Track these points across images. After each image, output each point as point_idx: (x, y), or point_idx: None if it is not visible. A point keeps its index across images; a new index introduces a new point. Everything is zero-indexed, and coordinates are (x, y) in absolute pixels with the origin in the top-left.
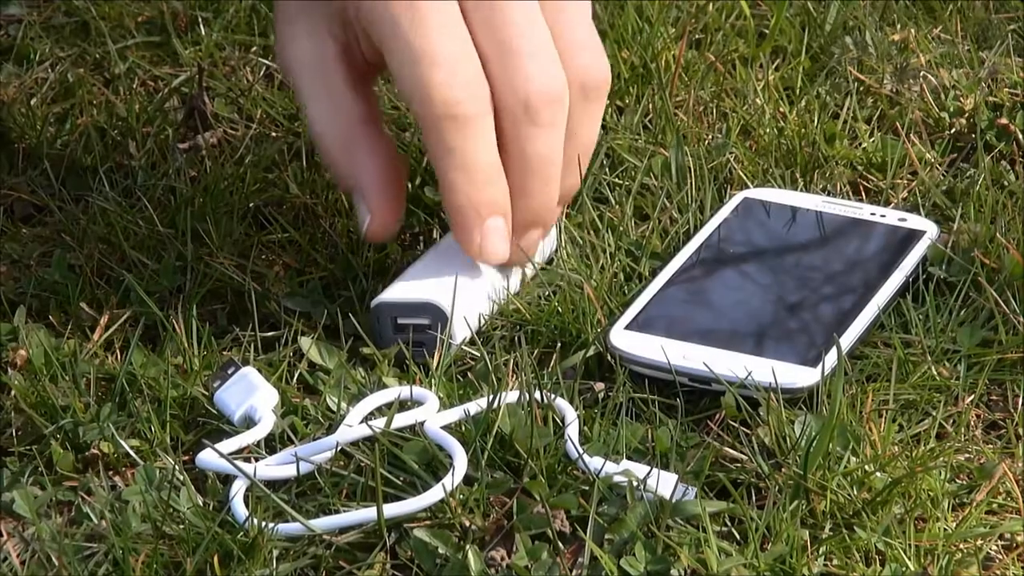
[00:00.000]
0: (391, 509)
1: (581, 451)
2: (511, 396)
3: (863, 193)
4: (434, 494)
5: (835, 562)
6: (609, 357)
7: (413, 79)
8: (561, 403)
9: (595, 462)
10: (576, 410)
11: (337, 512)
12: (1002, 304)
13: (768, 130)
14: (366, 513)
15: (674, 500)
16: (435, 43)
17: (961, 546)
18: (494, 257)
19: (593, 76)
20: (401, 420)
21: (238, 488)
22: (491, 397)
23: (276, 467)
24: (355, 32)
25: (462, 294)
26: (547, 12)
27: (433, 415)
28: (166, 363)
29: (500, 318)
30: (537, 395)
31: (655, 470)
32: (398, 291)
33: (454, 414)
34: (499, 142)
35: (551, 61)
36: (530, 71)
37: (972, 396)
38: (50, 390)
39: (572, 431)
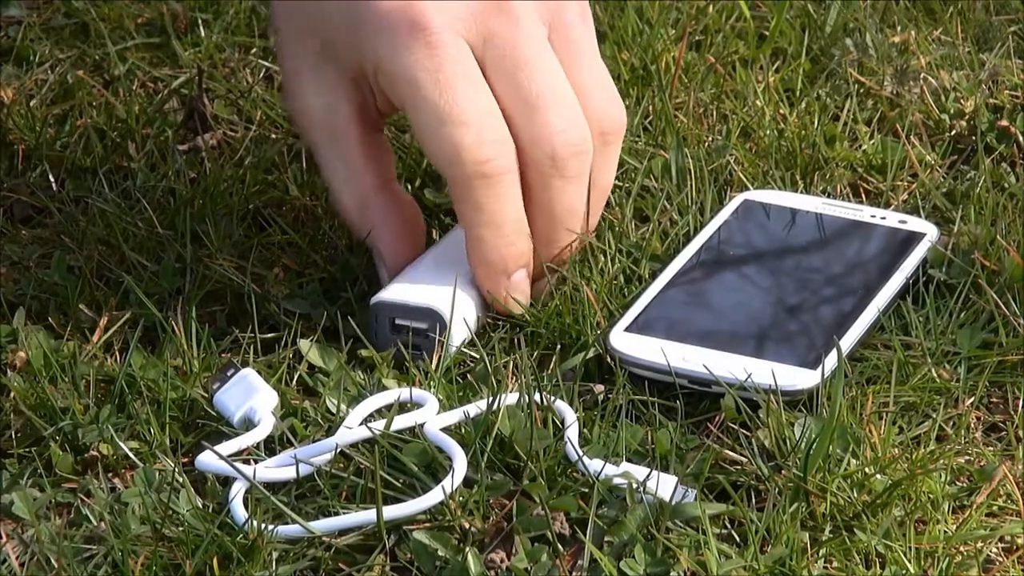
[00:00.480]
0: (391, 511)
1: (581, 453)
2: (511, 398)
3: (863, 195)
4: (434, 496)
5: (835, 564)
6: (609, 359)
7: (440, 140)
8: (561, 405)
9: (595, 464)
10: (576, 412)
11: (337, 514)
12: (1002, 306)
13: (768, 132)
14: (365, 515)
15: (674, 502)
16: (461, 103)
17: (961, 549)
18: (517, 308)
19: (611, 120)
20: (401, 422)
21: (237, 490)
22: (491, 399)
23: (275, 469)
24: (369, 87)
25: (462, 299)
26: (560, 54)
27: (433, 417)
28: (165, 365)
29: (501, 319)
30: (537, 397)
31: (655, 472)
32: (398, 292)
33: (454, 416)
34: (524, 193)
35: (574, 111)
36: (555, 124)
37: (972, 398)
38: (49, 392)
39: (572, 433)
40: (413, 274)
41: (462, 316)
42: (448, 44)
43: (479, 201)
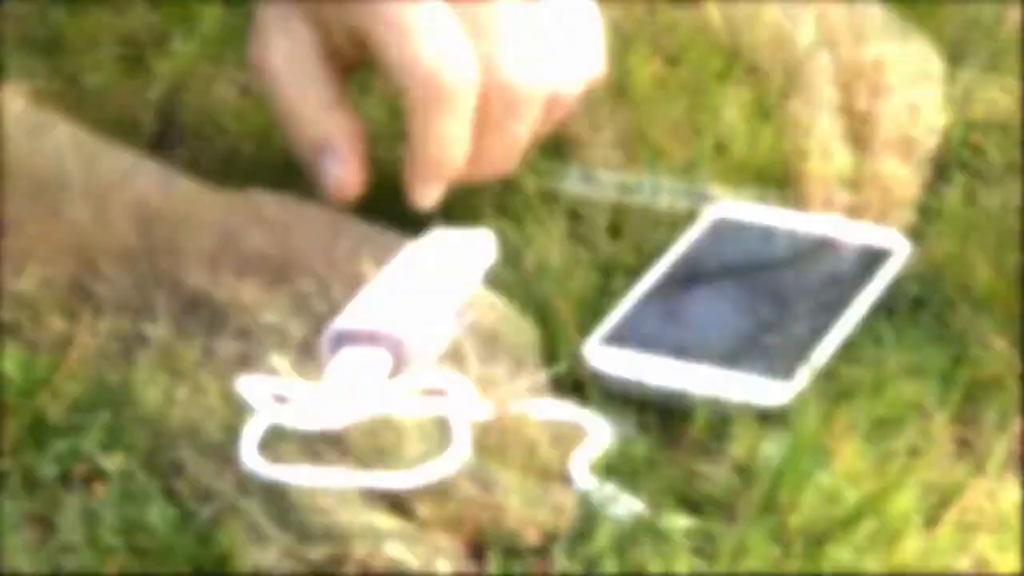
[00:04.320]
0: (389, 479)
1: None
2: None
3: (836, 210)
4: (438, 469)
5: None
6: (582, 372)
7: (403, 50)
8: (589, 418)
9: (569, 480)
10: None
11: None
12: (974, 322)
13: (741, 147)
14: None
15: (644, 516)
16: (429, 20)
17: (932, 564)
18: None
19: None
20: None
21: (254, 430)
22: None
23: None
24: (328, 29)
25: (421, 318)
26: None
27: (463, 408)
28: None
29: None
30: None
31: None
32: (350, 318)
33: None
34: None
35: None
36: (515, 57)
37: (943, 414)
38: (25, 405)
39: (594, 448)
40: (365, 296)
41: (426, 343)
42: None
43: (429, 119)
